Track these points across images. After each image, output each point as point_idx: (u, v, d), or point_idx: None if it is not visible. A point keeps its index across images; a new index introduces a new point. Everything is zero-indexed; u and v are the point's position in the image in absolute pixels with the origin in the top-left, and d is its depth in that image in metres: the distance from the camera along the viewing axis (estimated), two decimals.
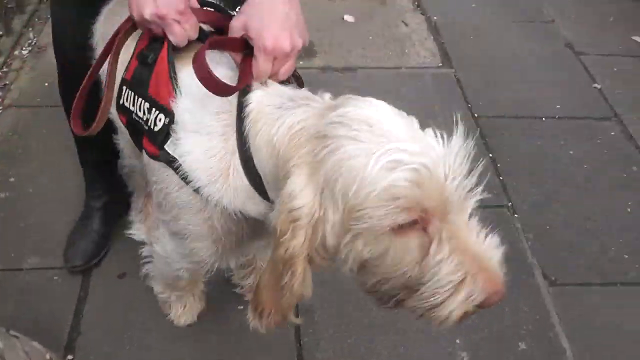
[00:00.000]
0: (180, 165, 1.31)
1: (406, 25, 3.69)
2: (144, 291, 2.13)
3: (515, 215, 2.54)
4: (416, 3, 3.96)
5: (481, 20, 3.82)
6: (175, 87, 1.34)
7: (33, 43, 3.41)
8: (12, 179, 2.60)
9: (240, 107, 1.26)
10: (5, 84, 3.11)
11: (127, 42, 1.50)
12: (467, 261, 1.07)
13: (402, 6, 3.94)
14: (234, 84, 1.27)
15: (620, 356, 2.10)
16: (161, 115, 1.35)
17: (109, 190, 2.35)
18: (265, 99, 1.25)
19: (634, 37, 3.69)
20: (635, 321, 2.20)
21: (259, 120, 1.23)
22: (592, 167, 2.80)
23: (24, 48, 3.37)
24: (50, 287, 2.20)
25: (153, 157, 1.38)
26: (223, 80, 1.25)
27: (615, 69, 3.44)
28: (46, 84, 3.12)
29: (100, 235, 2.31)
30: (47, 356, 1.73)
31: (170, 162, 1.32)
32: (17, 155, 2.71)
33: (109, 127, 2.11)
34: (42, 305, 2.14)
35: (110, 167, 2.30)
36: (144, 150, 1.43)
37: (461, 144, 1.11)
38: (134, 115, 1.44)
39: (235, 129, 1.26)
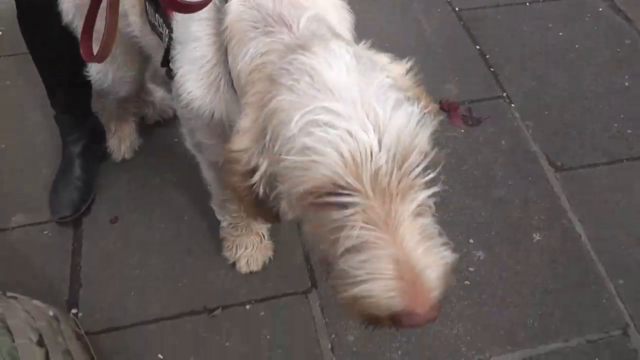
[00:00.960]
0: (175, 78, 1.27)
1: None
2: (142, 232, 2.06)
3: (512, 105, 2.44)
4: None
5: None
6: None
7: None
8: (2, 145, 2.44)
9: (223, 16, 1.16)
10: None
11: None
12: (386, 258, 0.90)
13: None
14: None
15: (635, 233, 2.05)
16: (167, 30, 1.33)
17: (86, 133, 2.22)
18: (243, 12, 1.17)
19: None
20: None
21: (233, 37, 1.16)
22: (584, 46, 2.69)
23: None
24: (42, 243, 2.11)
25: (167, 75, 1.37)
26: None
27: None
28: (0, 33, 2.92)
29: (84, 182, 2.20)
30: (50, 313, 1.65)
31: (172, 77, 1.31)
32: (4, 112, 2.55)
33: (77, 65, 2.00)
34: (37, 262, 2.05)
35: (83, 107, 2.20)
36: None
37: (410, 119, 0.93)
38: (158, 29, 1.41)
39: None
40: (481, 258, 1.98)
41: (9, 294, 1.65)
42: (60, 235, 2.12)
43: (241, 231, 1.91)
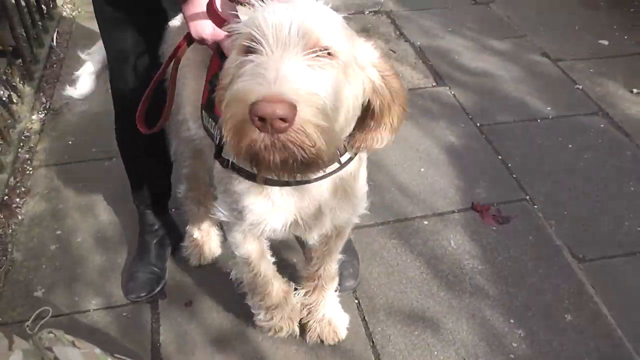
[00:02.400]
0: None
1: (394, 52, 3.96)
2: (215, 315, 2.29)
3: (535, 206, 2.77)
4: (398, 32, 4.26)
5: (460, 42, 4.13)
6: None
7: (47, 107, 3.56)
8: (58, 232, 2.72)
9: None
10: (30, 147, 3.24)
11: (198, 73, 1.72)
12: (259, 67, 1.16)
13: (386, 36, 4.23)
14: None
15: None
16: (218, 130, 1.50)
17: (163, 226, 2.51)
18: None
19: (600, 41, 4.03)
20: None
21: None
22: (592, 156, 3.07)
23: (39, 112, 3.51)
24: (122, 323, 2.32)
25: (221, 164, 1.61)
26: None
27: (591, 70, 3.77)
28: (70, 142, 3.27)
29: (158, 267, 2.45)
30: None
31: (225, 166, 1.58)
32: (58, 210, 2.84)
33: (163, 164, 2.33)
34: (118, 341, 2.26)
35: (164, 202, 2.50)
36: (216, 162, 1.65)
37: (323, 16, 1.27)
38: (211, 130, 1.66)
39: None
40: (521, 335, 2.22)
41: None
42: (139, 316, 2.34)
43: (277, 320, 2.08)
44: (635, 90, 3.52)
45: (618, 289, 2.40)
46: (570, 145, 3.15)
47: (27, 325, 1.78)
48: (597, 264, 2.51)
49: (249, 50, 1.23)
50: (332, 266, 2.08)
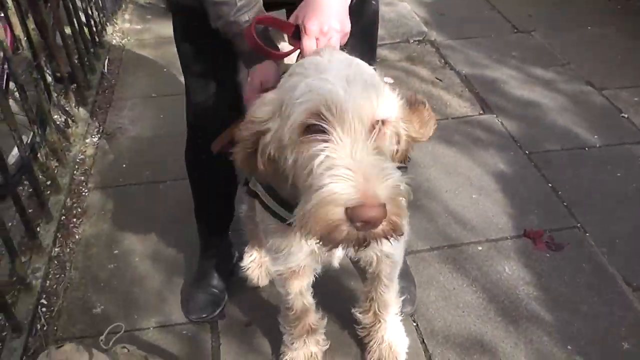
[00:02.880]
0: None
1: (440, 80, 4.02)
2: (274, 338, 2.31)
3: (587, 234, 2.78)
4: (443, 61, 4.33)
5: (505, 70, 4.18)
6: None
7: (100, 130, 3.66)
8: (116, 251, 2.80)
9: None
10: (85, 170, 3.33)
11: None
12: (345, 168, 1.21)
13: (432, 64, 4.30)
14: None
15: None
16: None
17: (224, 247, 2.57)
18: None
19: None
20: None
21: None
22: None
23: (93, 136, 3.62)
24: (182, 342, 2.37)
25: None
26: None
27: (636, 99, 3.78)
28: (124, 165, 3.36)
29: (219, 288, 2.50)
30: None
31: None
32: (115, 230, 2.92)
33: (229, 187, 2.38)
34: (180, 356, 2.31)
35: (227, 224, 2.55)
36: None
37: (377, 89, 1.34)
38: None
39: None
40: None
41: None
42: (198, 335, 2.39)
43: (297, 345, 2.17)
44: None
45: None
46: (618, 174, 3.16)
47: (101, 340, 1.83)
48: None
49: (309, 127, 1.31)
50: (384, 292, 2.10)
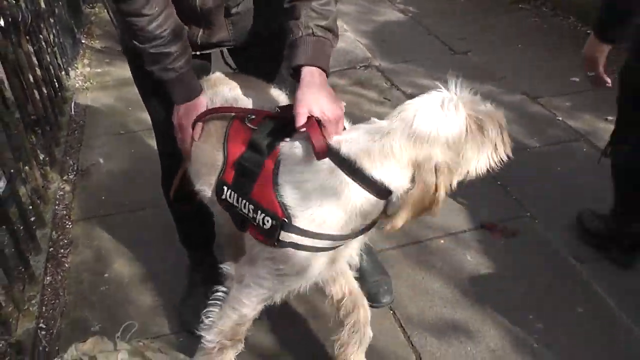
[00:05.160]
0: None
1: (389, 100, 4.35)
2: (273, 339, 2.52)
3: (536, 221, 3.12)
4: (390, 83, 4.68)
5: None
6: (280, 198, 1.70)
7: (75, 168, 3.83)
8: (106, 275, 2.96)
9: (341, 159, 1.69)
10: (66, 204, 3.49)
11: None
12: None
13: (380, 87, 4.65)
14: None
15: None
16: (268, 218, 1.70)
17: (209, 262, 2.74)
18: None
19: (572, 79, 4.47)
20: None
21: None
22: (585, 176, 3.44)
23: (69, 173, 3.78)
24: (181, 349, 2.47)
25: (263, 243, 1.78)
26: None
27: (567, 104, 4.19)
28: (102, 198, 3.53)
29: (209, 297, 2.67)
30: None
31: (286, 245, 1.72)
32: (102, 257, 3.08)
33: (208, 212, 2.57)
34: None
35: (210, 245, 2.76)
36: (249, 233, 1.83)
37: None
38: (238, 210, 1.80)
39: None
40: (540, 328, 2.51)
41: None
42: (197, 341, 2.51)
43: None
44: (609, 118, 3.91)
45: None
46: (559, 168, 3.53)
47: (117, 337, 2.02)
48: (596, 265, 2.83)
49: None
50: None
